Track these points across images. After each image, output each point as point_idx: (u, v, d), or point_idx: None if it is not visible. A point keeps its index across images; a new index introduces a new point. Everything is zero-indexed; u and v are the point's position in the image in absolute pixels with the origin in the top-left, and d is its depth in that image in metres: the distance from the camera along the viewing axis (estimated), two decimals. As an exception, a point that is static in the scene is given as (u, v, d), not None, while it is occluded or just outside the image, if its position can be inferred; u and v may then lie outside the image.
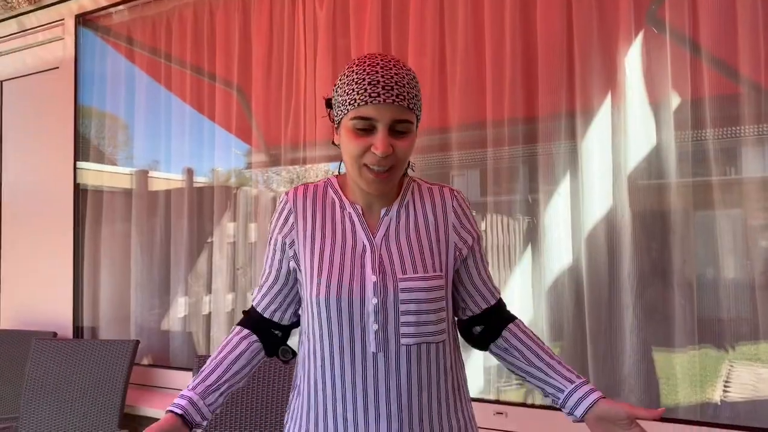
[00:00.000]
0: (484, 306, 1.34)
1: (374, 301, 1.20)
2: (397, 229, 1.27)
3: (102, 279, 3.42)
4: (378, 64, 1.16)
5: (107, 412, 2.76)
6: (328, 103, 1.28)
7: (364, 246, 1.25)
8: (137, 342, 2.89)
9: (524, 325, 1.36)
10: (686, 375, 2.08)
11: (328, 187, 1.33)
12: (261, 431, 2.36)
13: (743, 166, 2.05)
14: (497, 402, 2.35)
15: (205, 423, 1.29)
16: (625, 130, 2.16)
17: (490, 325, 1.34)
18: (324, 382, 1.23)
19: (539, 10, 2.30)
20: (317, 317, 1.23)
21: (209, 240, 3.14)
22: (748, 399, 2.02)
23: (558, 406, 1.29)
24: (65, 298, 3.43)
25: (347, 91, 1.17)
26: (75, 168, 3.45)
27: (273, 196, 3.06)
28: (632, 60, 2.16)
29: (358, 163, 1.19)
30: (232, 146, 3.13)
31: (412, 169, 1.32)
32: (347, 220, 1.28)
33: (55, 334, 3.27)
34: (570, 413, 1.27)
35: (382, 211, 1.27)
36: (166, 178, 3.34)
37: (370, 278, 1.21)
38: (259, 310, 1.37)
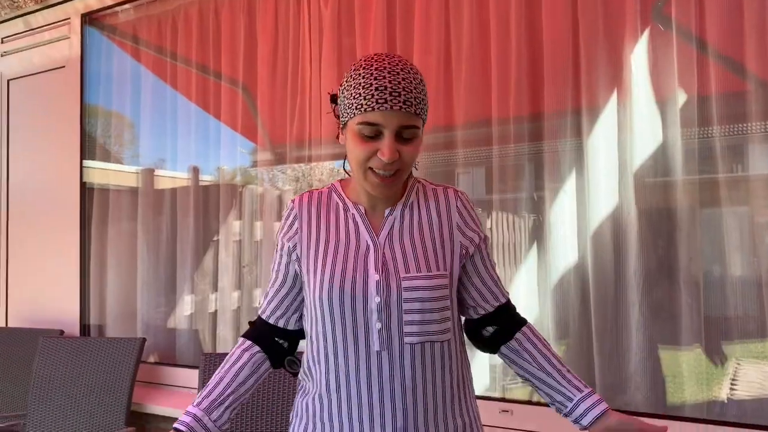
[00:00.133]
0: (495, 303, 1.33)
1: (377, 299, 1.20)
2: (400, 229, 1.27)
3: (108, 277, 3.43)
4: (385, 68, 1.16)
5: (114, 409, 2.78)
6: (333, 99, 1.28)
7: (367, 246, 1.25)
8: (144, 340, 2.91)
9: (537, 330, 1.36)
10: (692, 373, 2.07)
11: (332, 192, 1.34)
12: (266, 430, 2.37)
13: (750, 164, 2.05)
14: (503, 400, 2.35)
15: None
16: (631, 128, 2.15)
17: (502, 325, 1.33)
18: (328, 381, 1.24)
19: (544, 7, 2.30)
20: (321, 317, 1.23)
21: (215, 238, 3.15)
22: (755, 397, 2.02)
23: (563, 414, 1.29)
24: (72, 297, 3.44)
25: (354, 94, 1.17)
26: (81, 167, 3.47)
27: (278, 194, 3.07)
28: (638, 57, 2.15)
29: (363, 167, 1.19)
30: (238, 145, 3.14)
31: (415, 167, 1.32)
32: (351, 221, 1.28)
33: (62, 332, 3.28)
34: (577, 421, 1.27)
35: (386, 212, 1.28)
36: (172, 177, 3.35)
37: (373, 277, 1.21)
38: (264, 317, 1.37)
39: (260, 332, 1.37)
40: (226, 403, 1.30)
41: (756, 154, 2.02)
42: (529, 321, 1.38)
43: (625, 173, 2.16)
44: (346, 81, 1.21)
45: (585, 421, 1.25)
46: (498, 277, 1.36)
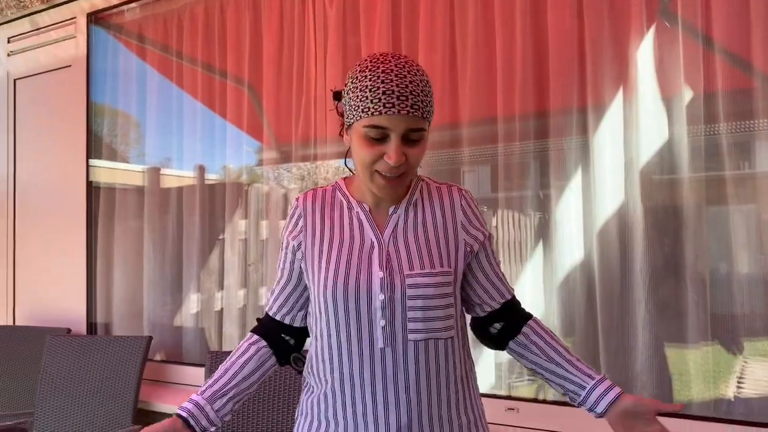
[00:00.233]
0: (501, 300, 1.34)
1: (381, 297, 1.20)
2: (405, 227, 1.27)
3: (115, 276, 3.44)
4: (392, 70, 1.15)
5: (121, 407, 2.79)
6: (336, 96, 1.28)
7: (371, 243, 1.25)
8: (150, 338, 2.91)
9: (543, 323, 1.36)
10: (699, 371, 2.07)
11: (336, 190, 1.34)
12: (271, 430, 2.37)
13: (757, 161, 2.04)
14: (509, 398, 2.34)
15: (213, 429, 1.30)
16: (637, 125, 2.15)
17: (509, 321, 1.34)
18: (333, 378, 1.24)
19: (550, 4, 2.29)
20: (325, 314, 1.24)
21: (221, 237, 3.16)
22: (762, 395, 2.01)
23: (577, 404, 1.29)
24: (79, 295, 3.45)
25: (360, 97, 1.16)
26: (87, 166, 3.48)
27: (284, 193, 3.07)
28: (644, 54, 2.15)
29: (370, 170, 1.20)
30: (244, 143, 3.14)
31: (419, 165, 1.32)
32: (355, 219, 1.29)
33: (69, 331, 3.29)
34: (591, 410, 1.26)
35: (390, 210, 1.28)
36: (178, 176, 3.36)
37: (377, 274, 1.22)
38: (270, 313, 1.38)
39: (267, 328, 1.38)
40: (230, 395, 1.31)
41: (763, 151, 2.01)
42: (534, 315, 1.37)
43: (631, 171, 2.16)
44: (351, 81, 1.20)
45: (599, 409, 1.25)
46: (503, 273, 1.36)
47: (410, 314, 1.20)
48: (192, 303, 3.22)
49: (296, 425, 1.34)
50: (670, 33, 2.12)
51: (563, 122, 2.28)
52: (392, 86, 1.14)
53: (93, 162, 3.50)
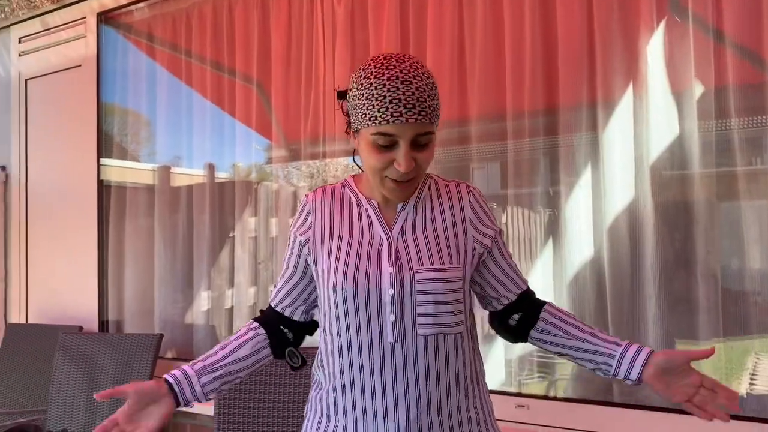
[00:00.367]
0: (517, 291, 1.34)
1: (391, 292, 1.21)
2: (413, 223, 1.27)
3: (126, 274, 3.46)
4: (398, 77, 1.14)
5: (132, 404, 2.80)
6: (341, 95, 1.28)
7: (381, 239, 1.26)
8: (161, 335, 2.93)
9: (557, 306, 1.36)
10: (711, 367, 2.05)
11: (346, 187, 1.34)
12: (276, 430, 2.38)
13: (769, 156, 2.02)
14: (519, 395, 2.34)
15: (195, 403, 1.30)
16: (647, 121, 2.13)
17: (526, 311, 1.33)
18: (342, 373, 1.24)
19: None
20: (335, 309, 1.24)
21: (231, 235, 3.17)
22: (775, 392, 2.00)
23: (611, 375, 1.27)
24: (90, 293, 3.48)
25: (367, 105, 1.15)
26: (98, 165, 3.50)
27: (293, 191, 3.08)
28: (654, 49, 2.13)
29: (380, 175, 1.20)
30: (253, 142, 3.15)
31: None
32: (364, 215, 1.29)
33: (81, 328, 3.32)
34: (626, 378, 1.25)
35: (399, 206, 1.28)
36: (188, 174, 3.37)
37: (387, 269, 1.22)
38: (272, 304, 1.39)
39: (268, 318, 1.38)
40: (219, 372, 1.31)
41: (775, 146, 1.99)
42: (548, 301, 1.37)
43: (642, 167, 2.14)
44: (357, 87, 1.19)
45: (634, 374, 1.23)
46: (516, 265, 1.37)
47: (420, 309, 1.21)
48: (203, 300, 3.24)
49: (305, 422, 1.35)
50: (680, 27, 2.10)
51: (573, 118, 2.27)
52: (399, 94, 1.13)
53: (104, 161, 3.52)
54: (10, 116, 3.92)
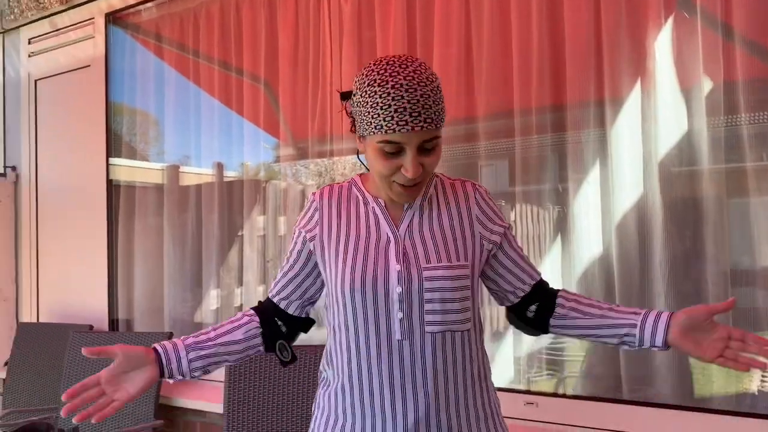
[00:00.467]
0: (532, 282, 1.34)
1: (398, 289, 1.21)
2: (420, 222, 1.28)
3: (136, 273, 3.48)
4: (402, 85, 1.13)
5: (143, 402, 2.82)
6: (344, 96, 1.28)
7: (388, 238, 1.26)
8: (171, 334, 2.95)
9: (570, 291, 1.37)
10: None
11: (352, 186, 1.35)
12: (285, 427, 2.39)
13: (779, 152, 2.00)
14: (528, 392, 2.34)
15: (178, 378, 1.30)
16: (656, 117, 2.12)
17: (542, 300, 1.34)
18: (351, 371, 1.25)
19: (566, -5, 2.27)
20: (342, 307, 1.25)
21: (240, 233, 3.18)
22: (786, 389, 1.99)
23: (636, 347, 1.27)
24: (101, 292, 3.50)
25: (372, 113, 1.15)
26: (107, 164, 3.52)
27: (301, 189, 3.09)
28: (662, 45, 2.12)
29: (387, 180, 1.20)
30: (261, 140, 3.16)
31: None
32: (371, 214, 1.30)
33: (91, 327, 3.34)
34: (653, 345, 1.24)
35: (405, 205, 1.28)
36: (197, 173, 3.39)
37: (394, 267, 1.22)
38: (270, 296, 1.40)
39: (264, 308, 1.39)
40: (207, 352, 1.31)
41: (786, 142, 1.98)
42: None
43: (650, 163, 2.13)
44: (361, 94, 1.18)
45: (659, 340, 1.23)
46: (527, 257, 1.37)
47: (427, 307, 1.21)
48: (212, 299, 3.25)
49: (313, 420, 1.36)
50: (688, 23, 2.09)
51: (581, 115, 2.26)
52: (404, 103, 1.12)
53: (113, 161, 3.54)
54: (20, 117, 3.95)
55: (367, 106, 1.16)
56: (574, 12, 2.25)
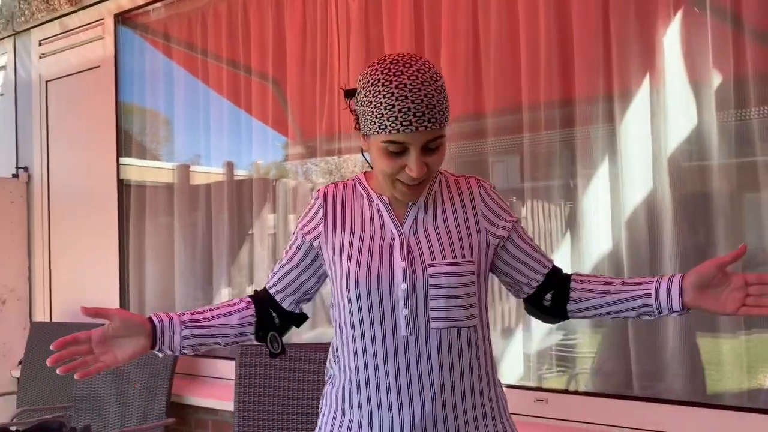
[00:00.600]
0: (545, 270, 1.34)
1: (403, 286, 1.21)
2: (425, 219, 1.28)
3: (147, 271, 3.51)
4: (406, 85, 1.12)
5: (155, 400, 2.84)
6: (348, 94, 1.28)
7: (392, 235, 1.27)
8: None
9: (581, 273, 1.36)
10: (734, 360, 2.03)
11: (357, 183, 1.35)
12: (294, 425, 2.40)
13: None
14: (538, 389, 2.33)
15: (167, 353, 1.29)
16: (665, 112, 2.11)
17: (557, 288, 1.34)
18: (357, 368, 1.25)
19: (574, -11, 2.26)
20: (348, 304, 1.25)
21: (250, 232, 3.19)
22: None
23: (655, 315, 1.27)
24: (112, 291, 3.53)
25: (376, 113, 1.15)
26: (118, 164, 3.54)
27: (311, 188, 3.09)
28: (671, 39, 2.10)
29: (391, 179, 1.21)
30: (270, 139, 3.17)
31: None
32: (375, 212, 1.30)
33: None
34: (672, 310, 1.24)
35: (410, 202, 1.28)
36: (207, 172, 3.40)
37: (399, 264, 1.23)
38: (267, 287, 1.40)
39: (261, 297, 1.39)
40: (201, 331, 1.31)
41: (797, 135, 1.95)
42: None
43: (660, 158, 2.12)
44: (365, 93, 1.18)
45: (676, 305, 1.23)
46: (538, 246, 1.37)
47: (432, 303, 1.21)
48: (223, 297, 3.26)
49: (320, 417, 1.36)
50: (697, 17, 2.07)
51: (589, 110, 2.25)
52: (407, 103, 1.12)
53: (123, 160, 3.56)
54: (31, 118, 3.98)
55: (371, 105, 1.16)
56: (582, 6, 2.24)
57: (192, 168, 3.46)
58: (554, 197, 2.38)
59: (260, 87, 3.13)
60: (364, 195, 1.33)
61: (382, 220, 1.29)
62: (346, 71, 2.79)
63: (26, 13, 3.92)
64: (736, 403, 2.00)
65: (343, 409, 1.29)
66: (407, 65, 1.15)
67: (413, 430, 1.21)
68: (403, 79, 1.13)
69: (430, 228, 1.27)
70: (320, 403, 1.38)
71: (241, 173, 3.27)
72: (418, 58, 1.18)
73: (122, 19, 3.58)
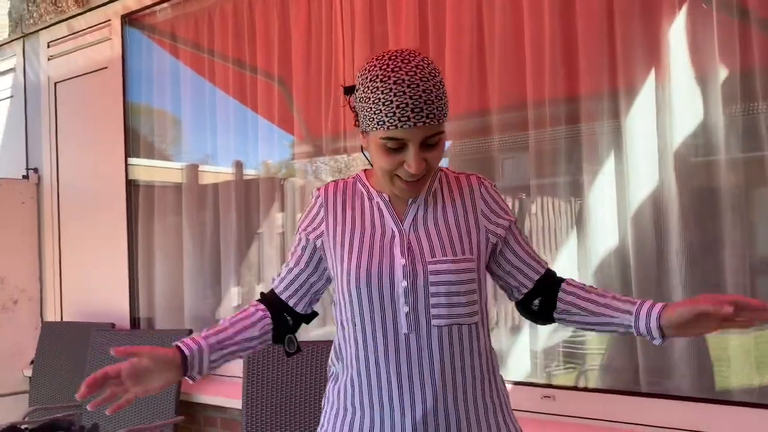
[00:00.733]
0: (535, 277, 1.34)
1: (404, 283, 1.21)
2: (425, 216, 1.28)
3: (156, 271, 3.52)
4: (404, 81, 1.12)
5: (164, 399, 2.86)
6: (348, 91, 1.28)
7: (392, 232, 1.27)
8: (191, 331, 2.98)
9: (574, 281, 1.35)
10: (743, 357, 2.01)
11: (357, 181, 1.36)
12: (303, 422, 2.40)
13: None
14: (546, 386, 2.32)
15: (197, 378, 1.28)
16: (671, 107, 2.09)
17: (545, 295, 1.33)
18: (358, 365, 1.26)
19: (578, -15, 2.25)
20: (349, 302, 1.25)
21: (259, 231, 3.20)
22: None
23: (648, 338, 1.25)
24: (122, 291, 3.55)
25: (374, 109, 1.15)
26: (126, 164, 3.56)
27: (318, 186, 3.09)
28: (676, 33, 2.08)
29: (390, 176, 1.20)
30: (277, 138, 3.17)
31: None
32: (375, 209, 1.30)
33: (113, 325, 3.39)
34: (652, 338, 1.23)
35: (410, 199, 1.29)
36: (215, 172, 3.41)
37: (399, 261, 1.23)
38: (276, 291, 1.39)
39: (272, 302, 1.38)
40: (228, 350, 1.31)
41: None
42: (567, 278, 1.36)
43: (666, 154, 2.10)
44: (363, 89, 1.18)
45: (657, 341, 1.22)
46: (533, 250, 1.36)
47: (433, 300, 1.21)
48: (232, 296, 3.27)
49: (323, 414, 1.37)
50: (703, 10, 2.05)
51: (595, 106, 2.24)
52: (405, 99, 1.12)
53: (132, 160, 3.58)
54: (40, 119, 4.02)
55: (369, 101, 1.16)
56: (587, 1, 2.23)
57: (201, 168, 3.47)
58: (561, 194, 2.37)
59: (266, 86, 3.13)
60: (365, 193, 1.33)
61: (382, 217, 1.29)
62: (351, 69, 2.79)
63: (35, 15, 3.95)
64: (746, 400, 1.98)
65: (345, 406, 1.29)
66: (405, 61, 1.15)
67: (415, 426, 1.21)
68: (401, 74, 1.13)
69: (430, 225, 1.27)
70: (323, 400, 1.39)
71: (249, 172, 3.28)
72: (416, 53, 1.18)
73: (129, 19, 3.60)
